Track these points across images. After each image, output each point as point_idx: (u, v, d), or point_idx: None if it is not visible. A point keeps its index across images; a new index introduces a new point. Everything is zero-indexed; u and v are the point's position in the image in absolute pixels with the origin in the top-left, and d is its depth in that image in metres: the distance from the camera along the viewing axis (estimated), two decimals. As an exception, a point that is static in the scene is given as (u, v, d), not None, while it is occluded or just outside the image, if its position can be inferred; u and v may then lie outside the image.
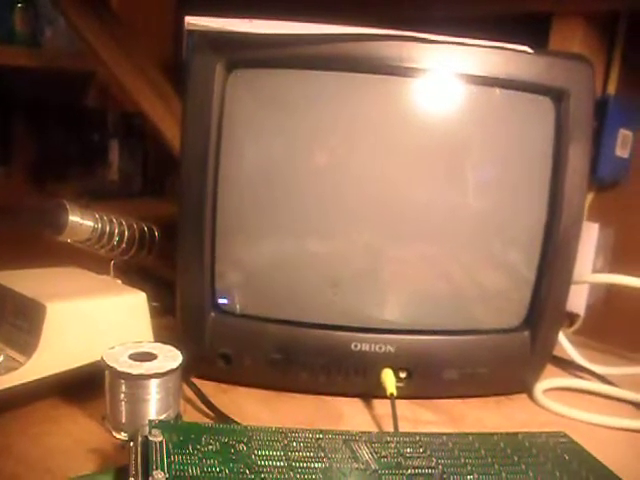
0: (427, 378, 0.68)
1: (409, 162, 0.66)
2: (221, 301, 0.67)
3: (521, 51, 0.64)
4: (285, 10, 0.64)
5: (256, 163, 0.66)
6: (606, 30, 0.92)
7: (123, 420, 0.54)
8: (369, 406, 0.67)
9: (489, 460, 0.50)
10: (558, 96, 0.64)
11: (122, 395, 0.54)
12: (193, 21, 0.61)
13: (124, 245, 0.73)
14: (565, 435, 0.55)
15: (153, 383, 0.54)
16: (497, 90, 0.64)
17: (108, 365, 0.54)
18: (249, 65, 0.63)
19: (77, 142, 1.61)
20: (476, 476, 0.47)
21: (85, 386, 0.58)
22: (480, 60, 0.63)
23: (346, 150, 0.66)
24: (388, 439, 0.52)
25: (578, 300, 0.93)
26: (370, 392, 0.67)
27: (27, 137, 1.60)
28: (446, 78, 0.64)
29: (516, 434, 0.54)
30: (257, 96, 0.64)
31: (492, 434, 0.54)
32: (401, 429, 0.59)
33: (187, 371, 0.61)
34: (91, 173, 1.62)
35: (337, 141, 0.65)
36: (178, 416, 0.57)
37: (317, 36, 0.61)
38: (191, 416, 0.60)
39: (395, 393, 0.64)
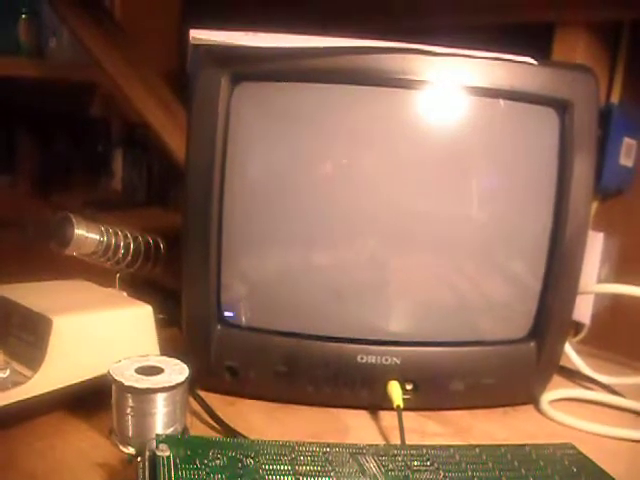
0: (433, 390, 0.68)
1: (414, 174, 0.66)
2: (227, 314, 0.67)
3: (525, 62, 0.64)
4: (288, 23, 0.64)
5: (261, 175, 0.66)
6: (609, 39, 0.92)
7: (130, 434, 0.54)
8: (376, 418, 0.67)
9: (496, 472, 0.49)
10: (562, 107, 0.64)
11: (129, 409, 0.54)
12: (198, 35, 0.61)
13: (130, 258, 0.73)
14: (572, 447, 0.55)
15: (160, 397, 0.54)
16: (501, 102, 0.64)
17: (114, 379, 0.54)
18: (254, 78, 0.63)
19: (81, 152, 1.62)
20: (484, 489, 0.47)
21: (91, 400, 0.58)
22: (483, 72, 0.63)
23: (350, 162, 0.66)
24: (395, 452, 0.52)
25: (583, 309, 0.93)
26: (376, 404, 0.67)
27: (31, 148, 1.61)
28: (449, 90, 0.64)
29: (523, 446, 0.54)
30: (262, 109, 0.64)
31: (499, 446, 0.54)
32: (408, 441, 0.59)
33: (193, 384, 0.61)
34: (95, 183, 1.62)
35: (341, 153, 0.65)
36: (185, 430, 0.57)
37: (321, 49, 0.62)
38: (198, 429, 0.60)
39: (402, 405, 0.64)
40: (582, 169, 0.65)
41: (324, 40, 0.62)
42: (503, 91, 0.63)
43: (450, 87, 0.63)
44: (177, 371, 0.56)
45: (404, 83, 0.62)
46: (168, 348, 0.65)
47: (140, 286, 0.74)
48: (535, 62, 0.64)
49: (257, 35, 0.62)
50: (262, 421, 0.64)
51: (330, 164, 0.65)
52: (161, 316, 0.69)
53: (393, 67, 0.62)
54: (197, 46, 0.62)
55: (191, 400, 0.62)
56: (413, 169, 0.66)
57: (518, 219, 0.68)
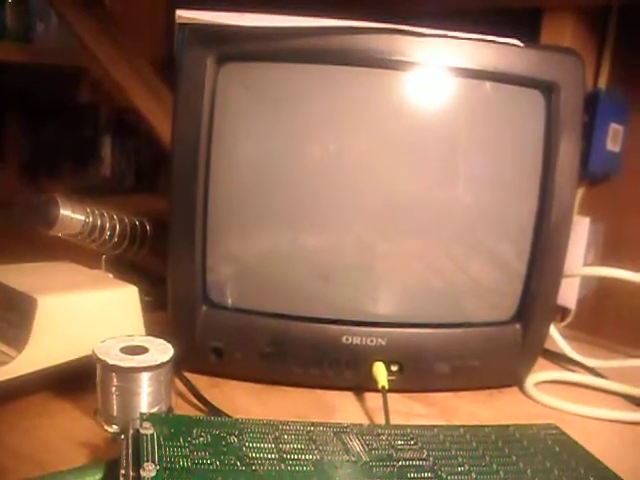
0: (419, 371, 0.68)
1: (400, 155, 0.66)
2: (212, 295, 0.67)
3: (511, 44, 0.64)
4: (275, 4, 0.64)
5: (247, 157, 0.66)
6: (597, 25, 0.92)
7: (114, 413, 0.54)
8: (361, 399, 0.67)
9: (480, 452, 0.50)
10: (548, 89, 0.65)
11: (113, 388, 0.54)
12: (184, 14, 0.61)
13: (115, 239, 0.72)
14: (556, 427, 0.55)
15: (144, 376, 0.54)
16: (487, 83, 0.64)
17: (99, 358, 0.54)
18: (240, 58, 0.63)
19: (69, 138, 1.61)
20: (467, 467, 0.47)
21: (77, 380, 0.58)
22: (470, 53, 0.63)
23: (337, 143, 0.66)
24: (379, 431, 0.52)
25: (569, 294, 0.93)
26: (362, 385, 0.67)
27: (19, 133, 1.60)
28: (436, 71, 0.64)
29: (507, 426, 0.55)
30: (248, 90, 0.64)
31: (483, 426, 0.55)
32: (393, 422, 0.59)
33: (179, 365, 0.61)
34: (84, 169, 1.61)
35: (328, 134, 0.65)
36: (170, 409, 0.57)
37: (308, 29, 0.61)
38: (183, 410, 0.60)
39: (387, 386, 0.64)
40: (568, 151, 0.65)
41: (311, 20, 0.62)
42: (489, 73, 0.63)
43: (436, 68, 0.63)
44: (162, 351, 0.56)
45: (390, 64, 0.62)
46: (154, 331, 0.64)
47: (126, 268, 0.74)
48: (521, 44, 0.64)
49: (243, 15, 0.61)
50: (247, 402, 0.64)
51: (317, 145, 0.65)
52: (147, 298, 0.68)
53: (379, 47, 0.62)
54: (183, 26, 0.61)
55: (176, 381, 0.63)
56: (399, 150, 0.66)
57: (504, 201, 0.68)
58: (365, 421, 0.62)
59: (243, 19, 0.61)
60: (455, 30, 0.63)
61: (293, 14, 0.63)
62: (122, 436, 0.46)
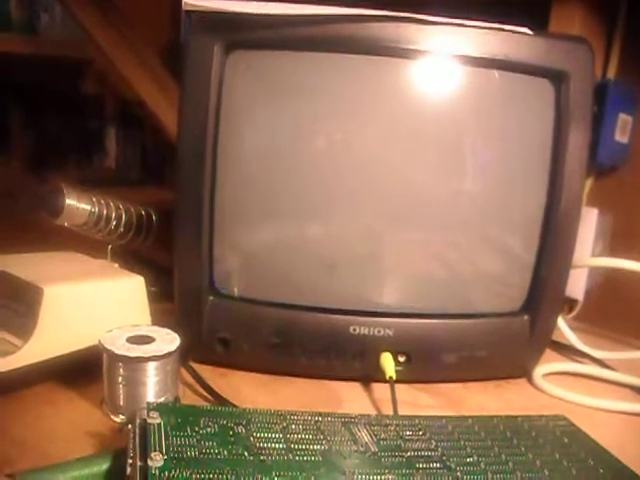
0: (426, 362, 0.68)
1: (408, 145, 0.65)
2: (219, 285, 0.66)
3: (520, 32, 0.63)
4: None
5: (255, 146, 0.65)
6: (606, 15, 0.91)
7: (121, 403, 0.54)
8: (368, 390, 0.67)
9: (488, 443, 0.49)
10: (557, 78, 0.64)
11: (120, 378, 0.54)
12: (191, 1, 0.60)
13: (121, 229, 0.72)
14: (564, 418, 0.55)
15: (151, 366, 0.54)
16: (496, 72, 0.64)
17: (106, 348, 0.54)
18: (247, 46, 0.62)
19: (75, 130, 1.61)
20: (476, 458, 0.47)
21: (83, 370, 0.58)
22: (479, 41, 0.62)
23: (344, 132, 0.65)
24: (387, 422, 0.51)
25: (577, 286, 0.92)
26: (369, 376, 0.67)
27: (24, 125, 1.60)
28: (445, 60, 0.63)
29: (515, 417, 0.54)
30: (256, 78, 0.63)
31: (491, 417, 0.54)
32: (400, 413, 0.59)
33: (185, 355, 0.61)
34: (89, 161, 1.61)
35: (335, 122, 0.65)
36: (176, 399, 0.57)
37: (316, 17, 0.61)
38: (189, 400, 0.60)
39: (394, 377, 0.64)
40: (577, 141, 0.65)
41: (319, 8, 0.61)
42: (498, 61, 0.63)
43: (444, 56, 0.63)
44: (168, 340, 0.56)
45: (398, 52, 0.62)
46: (160, 321, 0.64)
47: (132, 261, 0.74)
48: (530, 32, 0.63)
49: (251, 2, 0.61)
50: (254, 392, 0.64)
51: (324, 134, 0.65)
52: (153, 289, 0.68)
53: (388, 35, 0.61)
54: (190, 13, 0.61)
55: (183, 372, 0.62)
56: (407, 140, 0.65)
57: (512, 191, 0.67)
58: (373, 412, 0.62)
59: (251, 6, 0.60)
60: (463, 19, 0.63)
61: (301, 2, 0.63)
62: (129, 426, 0.46)
